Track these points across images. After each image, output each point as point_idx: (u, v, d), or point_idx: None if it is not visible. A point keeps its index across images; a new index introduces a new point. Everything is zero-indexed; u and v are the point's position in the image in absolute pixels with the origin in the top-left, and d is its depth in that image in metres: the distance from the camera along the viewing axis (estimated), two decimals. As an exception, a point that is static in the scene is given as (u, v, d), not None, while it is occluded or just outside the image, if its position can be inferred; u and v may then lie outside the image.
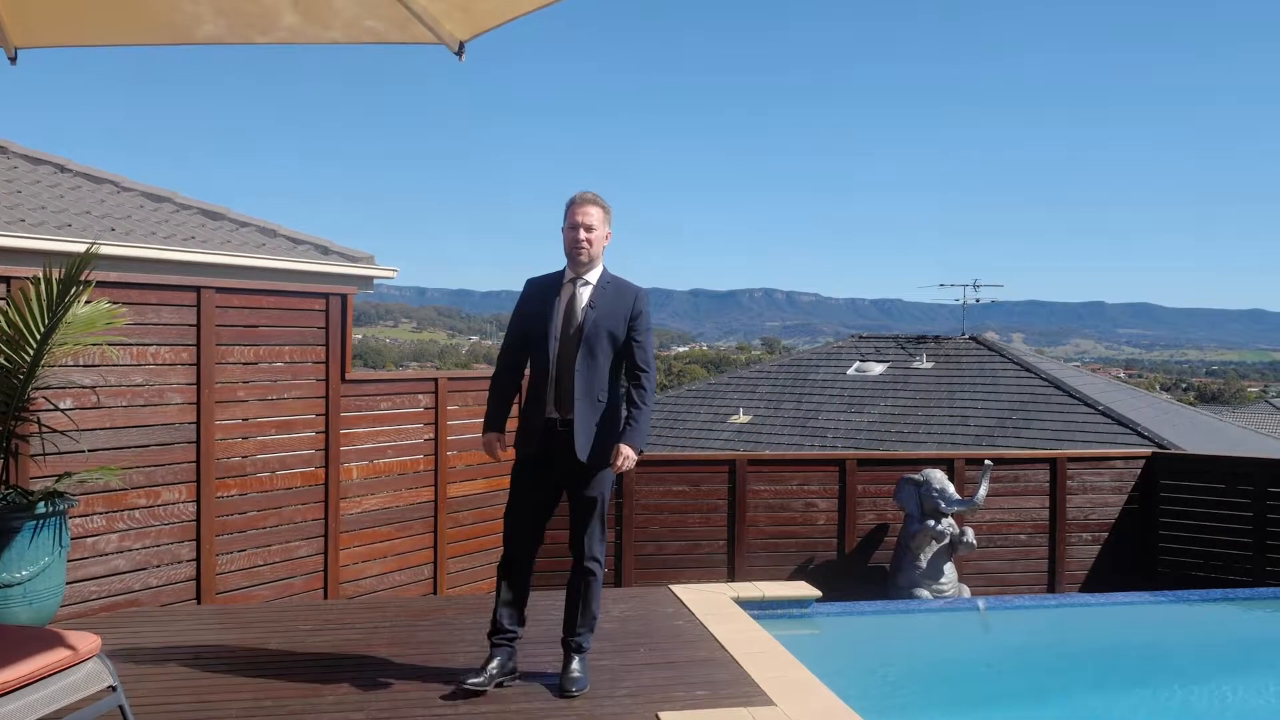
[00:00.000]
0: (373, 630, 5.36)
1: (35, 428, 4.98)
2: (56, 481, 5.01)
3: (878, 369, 19.68)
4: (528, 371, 4.55)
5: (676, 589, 6.30)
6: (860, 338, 22.44)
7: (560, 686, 4.39)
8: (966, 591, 8.04)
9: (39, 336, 4.72)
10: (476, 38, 3.51)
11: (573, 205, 4.41)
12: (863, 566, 8.26)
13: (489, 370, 4.72)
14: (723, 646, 5.09)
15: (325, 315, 6.57)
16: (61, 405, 5.26)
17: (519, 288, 4.63)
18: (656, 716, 4.14)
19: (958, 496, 7.96)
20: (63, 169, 6.96)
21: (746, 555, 8.06)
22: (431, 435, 7.14)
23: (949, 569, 7.95)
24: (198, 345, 5.90)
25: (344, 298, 6.67)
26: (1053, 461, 8.60)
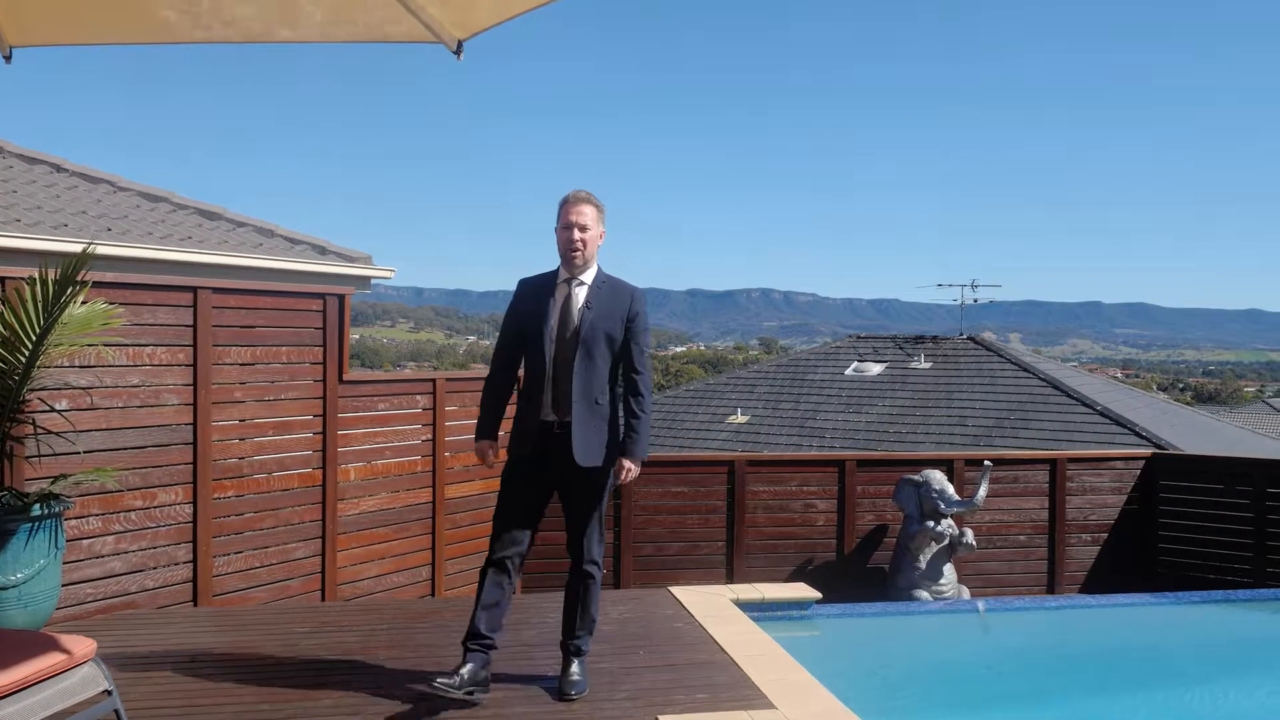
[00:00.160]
0: (370, 633, 5.33)
1: (31, 429, 4.95)
2: (52, 483, 4.98)
3: (876, 369, 19.68)
4: (521, 373, 4.49)
5: (676, 591, 6.28)
6: (858, 338, 22.44)
7: (559, 690, 4.36)
8: (966, 593, 8.03)
9: (34, 337, 4.69)
10: (475, 36, 3.49)
11: (566, 205, 4.34)
12: (862, 568, 8.24)
13: (486, 370, 4.66)
14: (722, 649, 5.07)
15: (323, 315, 6.53)
16: (57, 406, 5.23)
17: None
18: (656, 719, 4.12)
19: (957, 497, 7.94)
20: (59, 168, 6.93)
21: (745, 556, 8.04)
22: (429, 436, 7.11)
23: (948, 570, 7.94)
24: (194, 346, 5.86)
25: (341, 298, 6.64)
26: (1052, 462, 8.59)
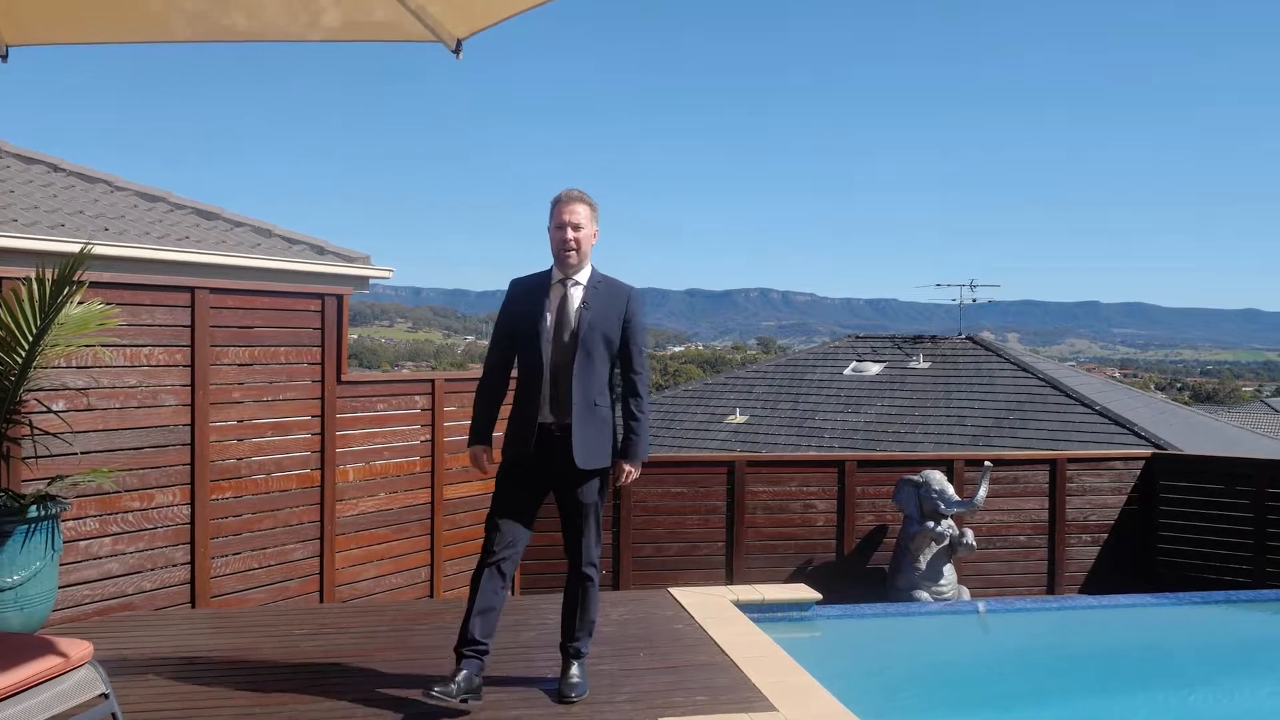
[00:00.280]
0: (369, 635, 5.31)
1: (27, 430, 4.92)
2: (49, 484, 4.95)
3: (874, 369, 19.66)
4: (514, 374, 4.41)
5: (676, 592, 6.26)
6: (857, 338, 22.42)
7: (559, 692, 4.34)
8: (966, 593, 8.01)
9: (31, 338, 4.67)
10: (474, 35, 3.47)
11: (558, 204, 4.26)
12: (862, 568, 8.23)
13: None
14: (723, 650, 5.05)
15: (321, 316, 6.51)
16: (54, 407, 5.20)
17: None
18: (656, 722, 4.10)
19: (957, 498, 7.92)
20: (56, 168, 6.91)
21: (745, 557, 8.02)
22: (428, 437, 7.09)
23: (948, 570, 7.92)
24: (192, 346, 5.84)
25: (340, 298, 6.62)
26: (1052, 463, 8.58)
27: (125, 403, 5.57)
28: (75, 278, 4.68)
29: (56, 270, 4.65)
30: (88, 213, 6.13)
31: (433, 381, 7.16)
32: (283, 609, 6.05)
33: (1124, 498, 8.63)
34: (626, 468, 4.36)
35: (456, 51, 3.46)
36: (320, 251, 6.86)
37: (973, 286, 22.66)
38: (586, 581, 4.38)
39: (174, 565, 5.79)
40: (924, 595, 7.77)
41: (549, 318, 4.24)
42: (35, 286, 4.66)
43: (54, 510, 4.73)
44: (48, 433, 4.99)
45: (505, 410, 4.47)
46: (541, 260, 4.42)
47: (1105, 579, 8.47)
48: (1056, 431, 15.21)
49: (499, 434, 4.43)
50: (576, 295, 4.27)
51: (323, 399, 6.47)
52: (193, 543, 5.85)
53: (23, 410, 4.90)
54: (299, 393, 6.40)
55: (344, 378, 6.59)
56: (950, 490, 7.92)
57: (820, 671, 4.76)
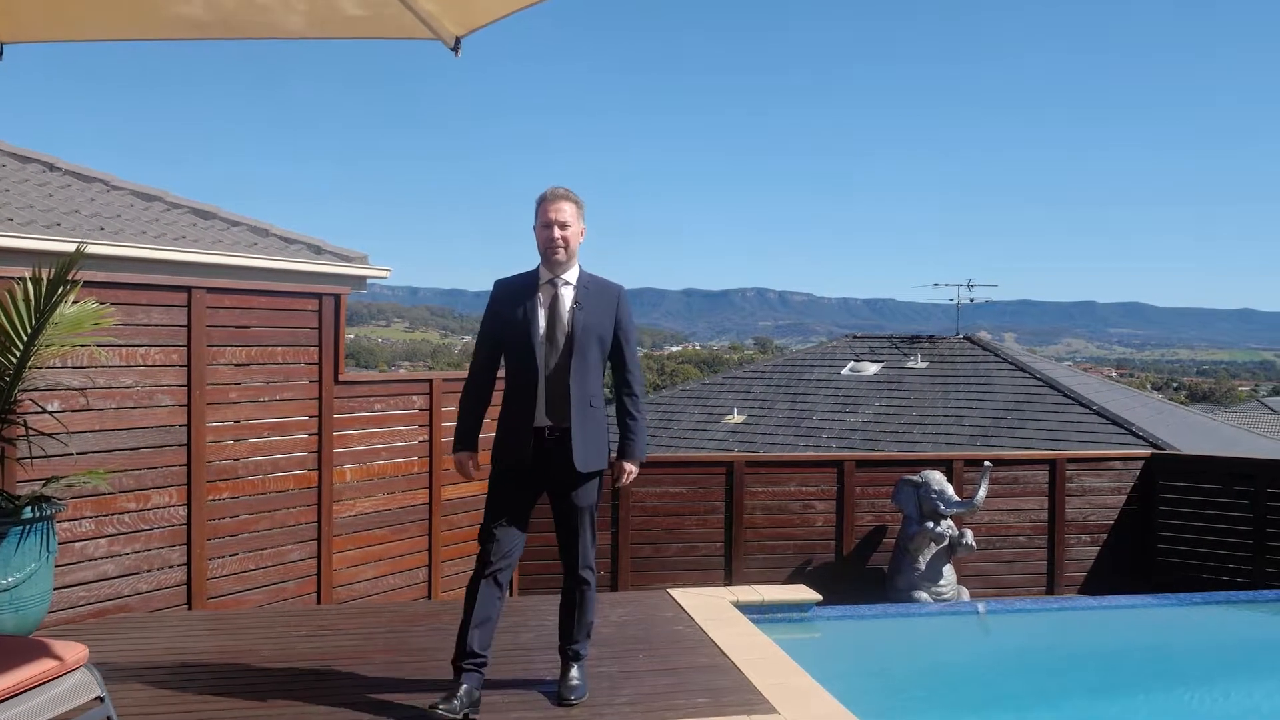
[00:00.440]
0: (367, 636, 5.28)
1: (22, 431, 4.88)
2: (44, 485, 4.92)
3: (872, 369, 19.65)
4: (502, 379, 4.31)
5: (675, 593, 6.23)
6: (855, 337, 22.40)
7: (559, 695, 4.31)
8: (965, 594, 8.00)
9: (25, 338, 4.63)
10: (473, 33, 3.43)
11: (544, 202, 4.18)
12: (861, 569, 8.20)
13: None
14: (723, 652, 5.03)
15: (318, 315, 6.48)
16: (49, 407, 5.16)
17: None
18: (657, 725, 4.08)
19: (956, 498, 7.90)
20: (51, 167, 6.87)
21: (744, 558, 8.00)
22: (426, 437, 7.05)
23: (948, 571, 7.90)
24: (188, 346, 5.80)
25: (337, 298, 6.58)
26: (1052, 463, 8.57)
27: (121, 403, 5.54)
28: (70, 277, 4.65)
29: (52, 270, 4.62)
30: (83, 212, 6.09)
31: (430, 381, 7.13)
32: (280, 610, 6.01)
33: (1123, 498, 8.61)
34: (629, 467, 4.32)
35: (455, 49, 3.43)
36: (317, 251, 6.82)
37: (970, 286, 22.66)
38: (584, 585, 4.34)
39: (170, 567, 5.76)
40: (923, 596, 7.75)
41: (541, 319, 4.16)
42: (30, 286, 4.63)
43: (49, 512, 4.70)
44: (43, 433, 4.95)
45: (492, 411, 4.36)
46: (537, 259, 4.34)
47: (1105, 579, 8.45)
48: (1055, 431, 15.20)
49: (484, 436, 4.33)
50: (568, 295, 4.19)
51: (320, 399, 6.44)
52: (189, 544, 5.81)
53: (17, 410, 4.87)
54: (296, 393, 6.37)
55: (341, 378, 6.56)
56: (950, 490, 7.90)
57: (821, 673, 4.74)
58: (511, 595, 6.92)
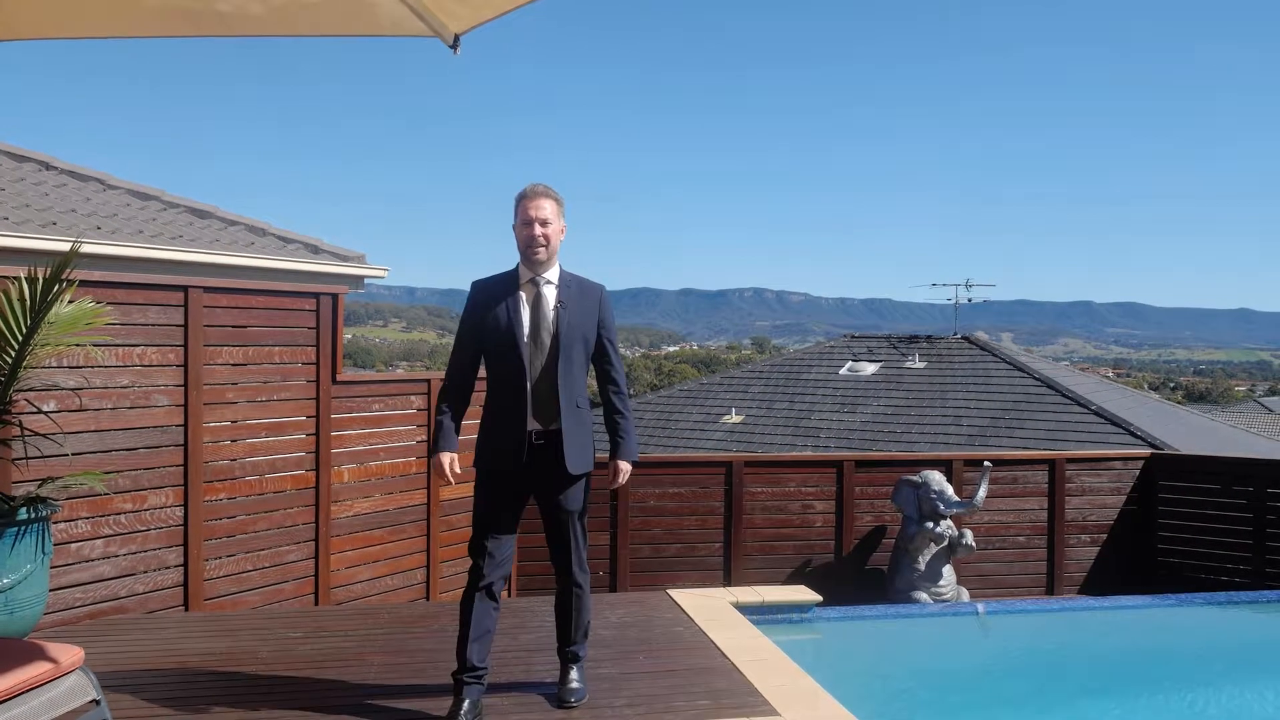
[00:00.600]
0: (365, 638, 5.25)
1: (17, 431, 4.85)
2: (39, 486, 4.88)
3: (870, 369, 19.64)
4: (482, 382, 4.22)
5: (674, 594, 6.21)
6: (852, 337, 22.40)
7: (559, 697, 4.28)
8: (965, 594, 7.97)
9: (20, 337, 4.60)
10: (472, 30, 3.41)
11: (524, 200, 4.09)
12: (860, 569, 8.18)
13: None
14: (723, 654, 5.00)
15: (316, 315, 6.45)
16: (45, 408, 5.13)
17: None
18: (657, 727, 4.05)
19: (956, 498, 7.88)
20: (47, 166, 6.84)
21: (743, 558, 7.97)
22: (424, 437, 7.02)
23: (947, 571, 7.88)
24: (185, 346, 5.77)
25: (335, 297, 6.55)
26: (1051, 463, 8.54)
27: (118, 403, 5.50)
28: (66, 276, 4.62)
29: (47, 269, 4.58)
30: (79, 211, 6.06)
31: (428, 381, 7.09)
32: (277, 612, 5.98)
33: (1123, 498, 8.59)
34: (624, 467, 4.28)
35: (454, 47, 3.40)
36: (315, 251, 6.80)
37: (968, 286, 22.65)
38: (577, 587, 4.30)
39: (167, 567, 5.72)
40: (923, 596, 7.73)
41: (525, 320, 4.07)
42: (25, 285, 4.59)
43: (44, 513, 4.66)
44: (38, 434, 4.92)
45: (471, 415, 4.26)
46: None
47: (1105, 579, 8.43)
48: (1053, 431, 15.19)
49: (465, 439, 4.24)
50: (550, 295, 4.11)
51: (318, 399, 6.41)
52: (186, 545, 5.78)
53: (13, 411, 4.83)
54: (294, 393, 6.33)
55: (339, 378, 6.53)
56: (949, 491, 7.88)
57: (821, 674, 4.72)
58: (510, 596, 6.90)
